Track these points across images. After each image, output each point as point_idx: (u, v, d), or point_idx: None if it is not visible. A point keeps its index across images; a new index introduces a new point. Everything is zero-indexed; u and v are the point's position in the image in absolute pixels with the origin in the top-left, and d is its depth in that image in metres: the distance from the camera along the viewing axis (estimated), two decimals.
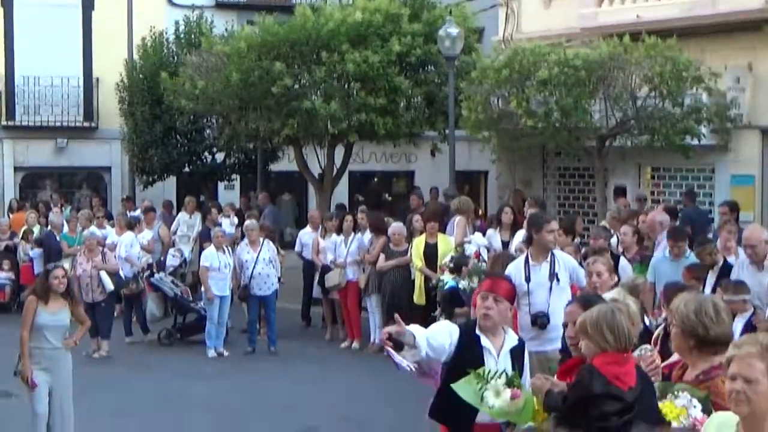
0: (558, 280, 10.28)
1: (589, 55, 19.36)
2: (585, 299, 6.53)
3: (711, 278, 11.90)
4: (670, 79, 18.79)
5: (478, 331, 7.17)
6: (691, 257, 12.80)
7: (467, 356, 6.97)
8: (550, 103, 19.23)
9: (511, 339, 7.34)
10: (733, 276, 11.29)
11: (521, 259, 10.59)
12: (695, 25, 20.28)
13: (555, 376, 8.35)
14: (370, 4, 21.29)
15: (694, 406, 5.75)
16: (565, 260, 10.62)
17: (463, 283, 13.94)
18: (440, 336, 7.03)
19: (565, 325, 6.55)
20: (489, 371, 6.54)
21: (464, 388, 6.46)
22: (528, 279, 10.32)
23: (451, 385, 6.59)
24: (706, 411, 5.72)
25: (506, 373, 6.48)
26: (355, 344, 17.47)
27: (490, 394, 6.32)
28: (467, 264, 14.58)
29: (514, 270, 10.45)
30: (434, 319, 15.14)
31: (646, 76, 19.07)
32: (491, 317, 7.15)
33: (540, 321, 10.18)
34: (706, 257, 12.14)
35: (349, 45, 20.66)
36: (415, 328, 6.89)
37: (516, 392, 6.25)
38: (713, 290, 11.39)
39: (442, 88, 21.67)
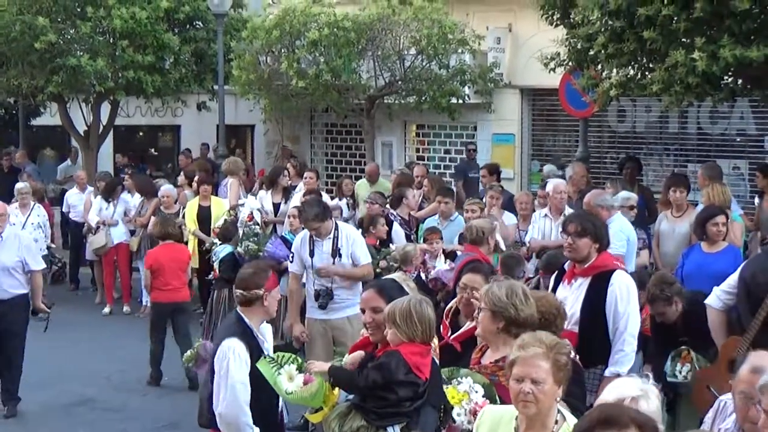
0: (340, 255, 10.29)
1: (358, 16, 19.63)
2: (380, 286, 6.66)
3: None
4: (436, 41, 19.31)
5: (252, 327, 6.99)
6: (458, 219, 13.28)
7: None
8: (320, 63, 19.42)
9: (267, 330, 7.20)
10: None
11: (305, 233, 10.53)
12: None
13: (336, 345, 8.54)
14: None
15: (476, 391, 6.06)
16: (349, 233, 10.55)
17: (239, 248, 13.93)
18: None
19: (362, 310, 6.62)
20: (282, 356, 6.55)
21: (264, 369, 6.50)
22: (312, 254, 10.34)
23: (256, 364, 6.60)
24: (489, 396, 6.05)
25: (297, 359, 6.55)
26: (126, 308, 17.31)
27: (284, 379, 6.39)
28: (234, 233, 14.53)
29: (299, 243, 10.53)
30: (210, 282, 15.16)
31: (413, 38, 19.53)
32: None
33: (321, 301, 10.27)
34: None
35: (116, 0, 20.14)
36: None
37: (309, 377, 6.35)
38: None
39: (211, 45, 21.49)
